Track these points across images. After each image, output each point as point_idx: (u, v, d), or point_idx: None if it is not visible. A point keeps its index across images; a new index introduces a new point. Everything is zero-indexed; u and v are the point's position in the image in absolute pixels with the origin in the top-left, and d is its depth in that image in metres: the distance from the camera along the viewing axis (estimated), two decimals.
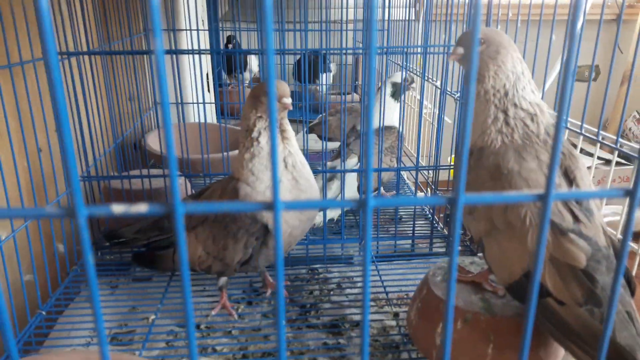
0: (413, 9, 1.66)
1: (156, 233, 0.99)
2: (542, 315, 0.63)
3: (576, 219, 0.64)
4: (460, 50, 0.72)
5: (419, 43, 1.33)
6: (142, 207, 0.23)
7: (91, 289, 0.23)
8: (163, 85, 0.24)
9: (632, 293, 0.63)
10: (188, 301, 0.25)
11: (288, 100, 0.81)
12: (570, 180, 0.67)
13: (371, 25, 0.24)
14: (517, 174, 0.66)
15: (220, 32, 2.61)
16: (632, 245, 0.78)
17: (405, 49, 1.25)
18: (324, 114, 1.86)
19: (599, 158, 2.69)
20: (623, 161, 2.67)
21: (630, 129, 3.01)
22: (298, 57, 2.38)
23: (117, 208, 0.23)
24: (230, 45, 2.43)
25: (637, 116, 2.96)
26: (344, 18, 2.21)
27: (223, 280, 0.93)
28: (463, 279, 0.78)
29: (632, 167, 2.74)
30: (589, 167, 0.84)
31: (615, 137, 0.78)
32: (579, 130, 0.84)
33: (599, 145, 0.81)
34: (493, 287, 0.76)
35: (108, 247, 1.13)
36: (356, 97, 2.42)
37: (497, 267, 0.69)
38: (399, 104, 1.32)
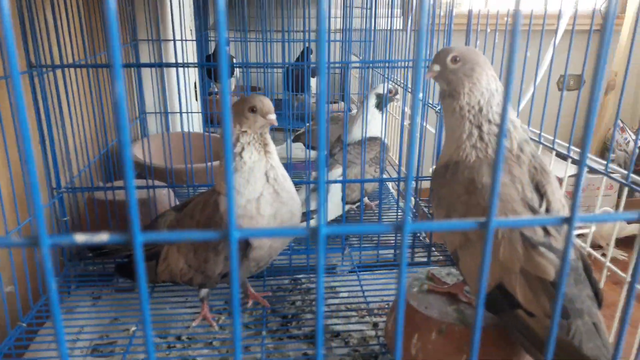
0: (400, 18, 1.68)
1: None
2: (514, 326, 0.65)
3: (547, 232, 0.65)
4: (437, 67, 0.74)
5: (406, 53, 1.35)
6: (103, 237, 0.24)
7: (54, 319, 0.24)
8: (121, 104, 0.25)
9: (599, 305, 0.65)
10: (146, 317, 0.26)
11: (273, 117, 0.83)
12: (541, 194, 0.68)
13: (320, 40, 0.26)
14: (490, 188, 0.68)
15: (210, 41, 2.62)
16: (599, 257, 0.80)
17: (386, 63, 1.27)
18: (309, 123, 1.88)
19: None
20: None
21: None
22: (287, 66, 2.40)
23: (80, 237, 0.24)
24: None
25: (621, 125, 3.00)
26: (330, 28, 2.22)
27: (204, 291, 0.94)
28: (439, 290, 0.80)
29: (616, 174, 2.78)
30: (561, 180, 0.86)
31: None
32: (551, 145, 0.86)
33: (570, 160, 0.84)
34: (468, 298, 0.77)
35: (91, 257, 1.13)
36: (344, 105, 2.43)
37: (470, 278, 0.70)
38: (381, 114, 1.34)
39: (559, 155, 0.88)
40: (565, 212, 0.70)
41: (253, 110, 0.82)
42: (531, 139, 0.79)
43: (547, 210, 0.68)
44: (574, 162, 0.86)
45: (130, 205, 0.24)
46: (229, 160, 0.25)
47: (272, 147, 0.87)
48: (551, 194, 0.68)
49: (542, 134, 0.89)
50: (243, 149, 0.84)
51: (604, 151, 3.09)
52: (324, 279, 0.24)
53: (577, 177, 0.25)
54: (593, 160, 0.83)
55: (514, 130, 0.71)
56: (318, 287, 0.26)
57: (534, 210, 0.67)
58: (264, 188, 0.86)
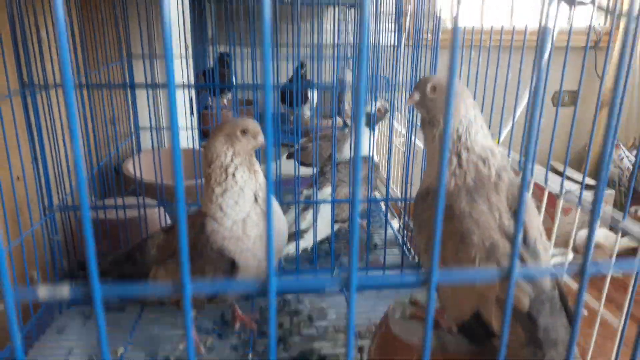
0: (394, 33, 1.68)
1: (130, 264, 1.01)
2: (490, 356, 0.66)
3: (523, 261, 0.67)
4: (417, 96, 0.76)
5: (399, 70, 1.37)
6: (64, 291, 0.26)
7: None
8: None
9: None
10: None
11: (262, 138, 0.86)
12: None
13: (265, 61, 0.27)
14: (468, 215, 0.69)
15: (207, 56, 2.64)
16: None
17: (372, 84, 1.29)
18: (302, 140, 1.89)
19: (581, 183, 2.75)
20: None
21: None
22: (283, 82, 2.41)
23: (42, 292, 0.26)
24: (227, 61, 2.43)
25: (615, 142, 3.02)
26: (323, 42, 2.24)
27: (192, 313, 0.95)
28: (420, 316, 0.81)
29: (610, 190, 2.81)
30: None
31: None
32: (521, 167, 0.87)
33: (548, 190, 0.85)
34: (449, 324, 0.78)
35: (82, 276, 1.14)
36: (339, 122, 2.44)
37: (448, 306, 0.72)
38: (370, 133, 1.35)
39: (555, 170, 0.89)
40: (543, 240, 0.71)
41: (244, 132, 0.85)
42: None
43: (525, 238, 0.69)
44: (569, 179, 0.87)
45: (89, 257, 0.25)
46: (180, 176, 0.27)
47: (257, 166, 0.89)
48: (529, 222, 0.70)
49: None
50: (236, 168, 0.86)
51: (598, 168, 3.10)
52: (275, 329, 0.26)
53: (518, 211, 0.26)
54: (571, 180, 0.84)
55: (492, 157, 0.73)
56: (270, 333, 0.27)
57: (510, 238, 0.68)
58: (251, 208, 0.87)
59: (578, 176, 2.50)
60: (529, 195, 0.75)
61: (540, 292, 0.64)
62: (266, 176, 0.95)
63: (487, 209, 0.70)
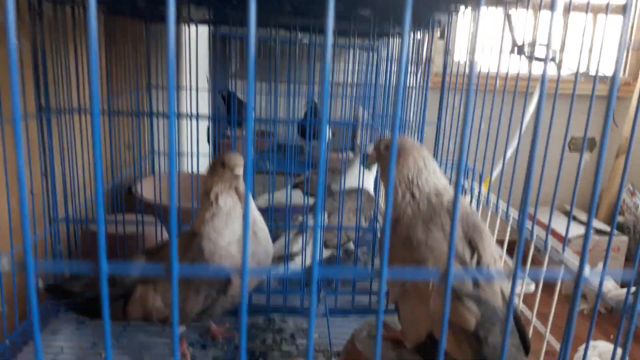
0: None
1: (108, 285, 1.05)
2: None
3: (476, 284, 0.70)
4: (373, 153, 0.88)
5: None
6: None
7: None
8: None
9: (527, 352, 0.70)
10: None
11: (239, 169, 0.93)
12: (473, 249, 0.74)
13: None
14: (424, 244, 0.74)
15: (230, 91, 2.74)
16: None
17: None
18: (308, 171, 1.96)
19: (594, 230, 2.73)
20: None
21: (624, 201, 3.04)
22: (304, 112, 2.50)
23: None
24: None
25: (631, 189, 2.99)
26: (339, 81, 2.34)
27: (182, 329, 0.99)
28: (386, 336, 0.84)
29: (624, 237, 2.78)
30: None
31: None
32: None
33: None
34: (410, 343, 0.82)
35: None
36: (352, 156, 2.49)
37: (407, 328, 0.75)
38: (372, 172, 1.46)
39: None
40: (497, 265, 0.75)
41: (223, 165, 0.94)
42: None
43: (478, 263, 0.73)
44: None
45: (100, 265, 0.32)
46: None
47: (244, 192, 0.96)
48: (482, 248, 0.74)
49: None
50: (217, 196, 0.93)
51: (613, 215, 3.07)
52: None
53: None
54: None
55: (445, 192, 0.79)
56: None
57: (463, 263, 0.72)
58: (242, 230, 0.93)
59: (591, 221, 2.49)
60: (485, 224, 0.79)
61: (491, 312, 0.68)
62: (247, 201, 1.02)
63: (443, 237, 0.74)
